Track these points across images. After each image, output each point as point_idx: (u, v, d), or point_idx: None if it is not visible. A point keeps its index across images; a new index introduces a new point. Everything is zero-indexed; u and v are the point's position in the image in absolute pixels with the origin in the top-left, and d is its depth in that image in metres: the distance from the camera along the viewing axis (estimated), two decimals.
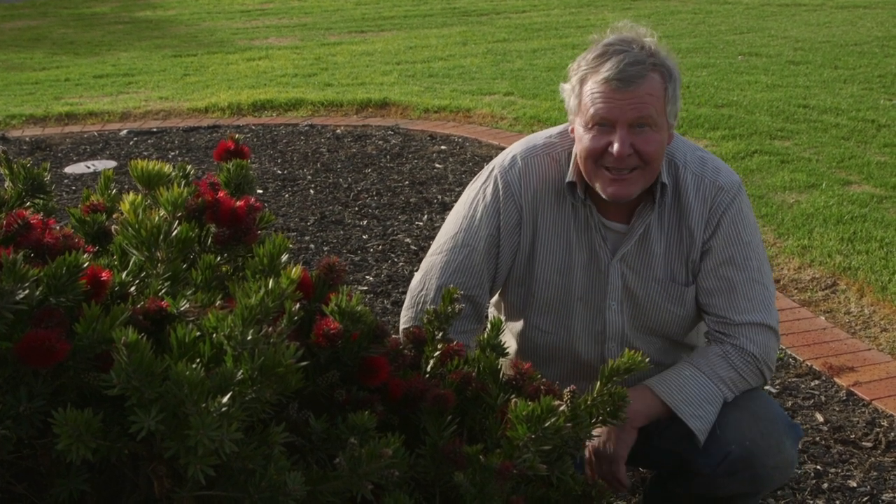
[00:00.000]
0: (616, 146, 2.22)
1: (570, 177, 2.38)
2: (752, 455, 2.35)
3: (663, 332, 2.51)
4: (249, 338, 1.43)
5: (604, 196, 2.32)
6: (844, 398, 3.62)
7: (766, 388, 3.65)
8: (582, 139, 2.29)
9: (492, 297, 2.58)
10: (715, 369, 2.36)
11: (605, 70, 2.22)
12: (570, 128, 2.39)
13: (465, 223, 2.47)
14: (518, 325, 2.57)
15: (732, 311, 2.39)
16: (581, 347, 2.52)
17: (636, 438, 2.31)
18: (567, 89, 2.34)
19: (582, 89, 2.27)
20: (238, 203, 1.81)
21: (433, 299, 2.45)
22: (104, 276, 1.56)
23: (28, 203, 2.03)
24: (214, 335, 1.46)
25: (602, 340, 2.50)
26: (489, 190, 2.46)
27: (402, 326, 2.54)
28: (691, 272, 2.43)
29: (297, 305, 1.56)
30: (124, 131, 7.98)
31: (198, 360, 1.44)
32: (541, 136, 2.50)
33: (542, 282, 2.47)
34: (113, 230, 1.88)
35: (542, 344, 2.55)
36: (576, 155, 2.36)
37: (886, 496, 3.04)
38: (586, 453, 2.33)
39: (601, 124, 2.25)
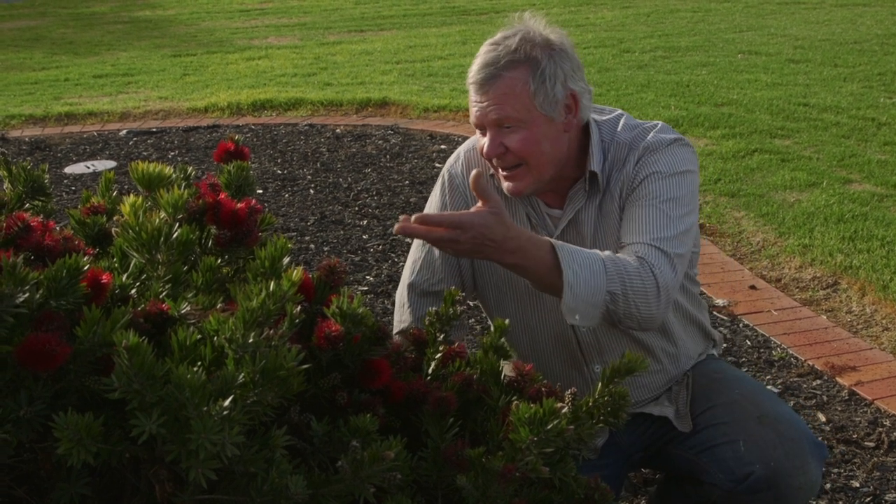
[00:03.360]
0: (485, 148, 2.29)
1: (492, 169, 2.42)
2: (776, 476, 2.30)
3: None
4: (251, 341, 1.42)
5: (505, 193, 2.36)
6: (846, 398, 3.61)
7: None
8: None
9: (468, 293, 2.60)
10: (613, 257, 2.18)
11: (471, 73, 2.29)
12: None
13: None
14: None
15: (632, 237, 2.27)
16: (558, 331, 2.50)
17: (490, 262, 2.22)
18: None
19: (469, 94, 2.34)
20: (239, 205, 1.81)
21: (407, 299, 2.53)
22: (105, 278, 1.55)
23: (28, 205, 2.02)
24: (216, 338, 1.46)
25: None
26: (438, 187, 2.56)
27: (394, 330, 2.57)
28: None
29: (299, 308, 1.56)
30: (124, 131, 7.97)
31: (199, 364, 1.44)
32: None
33: (505, 272, 2.45)
34: (113, 232, 1.87)
35: (525, 333, 2.55)
36: None
37: (889, 496, 3.03)
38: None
39: (477, 128, 2.33)
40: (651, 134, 2.38)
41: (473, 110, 2.31)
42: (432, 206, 2.58)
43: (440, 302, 2.40)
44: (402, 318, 2.53)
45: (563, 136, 2.31)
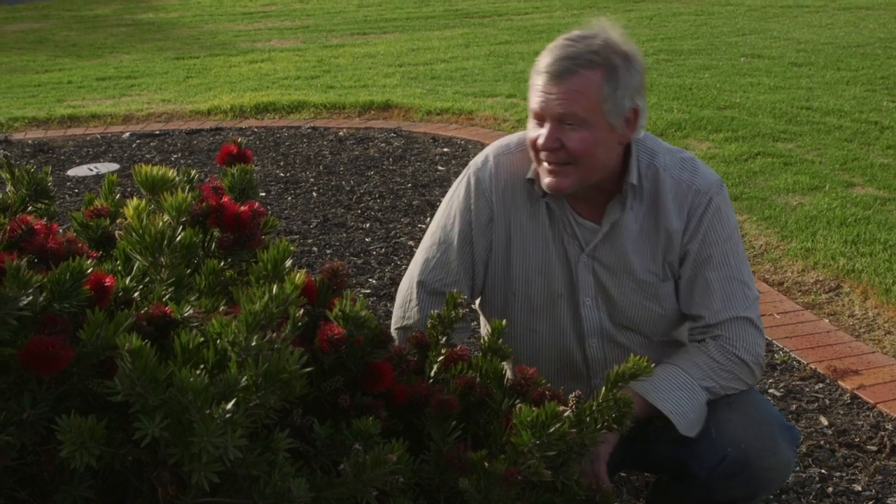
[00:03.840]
0: (540, 140, 2.27)
1: (530, 173, 2.41)
2: (747, 457, 2.35)
3: (643, 330, 2.51)
4: (254, 344, 1.42)
5: (543, 187, 2.35)
6: (849, 401, 3.61)
7: (770, 391, 3.65)
8: (528, 129, 2.34)
9: (475, 296, 2.60)
10: (692, 359, 2.36)
11: (543, 63, 2.26)
12: None
13: (443, 221, 2.55)
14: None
15: (708, 309, 2.39)
16: (565, 345, 2.53)
17: (618, 439, 2.29)
18: None
19: (532, 80, 2.31)
20: (242, 208, 1.81)
21: (416, 297, 2.52)
22: (108, 281, 1.55)
23: (31, 208, 2.02)
24: (218, 341, 1.46)
25: (582, 337, 2.51)
26: (462, 188, 2.52)
27: (392, 326, 2.59)
28: (669, 271, 2.43)
29: (301, 311, 1.56)
30: (127, 134, 7.98)
31: (202, 367, 1.44)
32: (515, 135, 2.54)
33: (521, 280, 2.49)
34: (117, 235, 1.87)
35: (527, 345, 2.55)
36: None
37: (892, 500, 3.03)
38: None
39: (535, 118, 2.29)
40: (697, 172, 2.42)
41: (537, 99, 2.27)
42: (455, 207, 2.53)
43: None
44: (406, 314, 2.53)
45: (617, 148, 2.34)
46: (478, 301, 2.66)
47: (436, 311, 1.97)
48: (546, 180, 2.33)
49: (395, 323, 2.58)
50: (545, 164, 2.31)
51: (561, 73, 2.22)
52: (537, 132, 2.29)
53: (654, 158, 2.41)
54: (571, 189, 2.34)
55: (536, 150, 2.31)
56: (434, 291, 2.52)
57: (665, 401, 2.30)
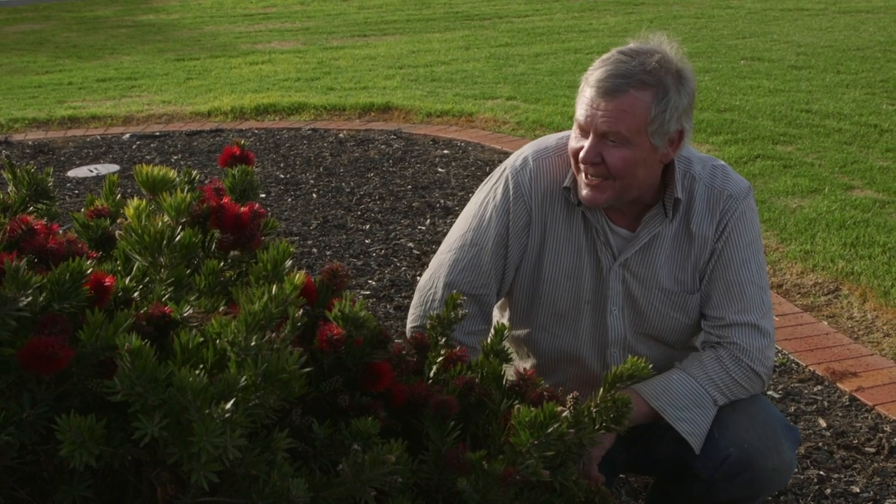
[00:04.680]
0: (582, 152, 2.26)
1: (567, 181, 2.40)
2: (750, 458, 2.36)
3: (665, 339, 2.51)
4: (253, 344, 1.43)
5: (580, 198, 2.35)
6: (847, 403, 3.62)
7: (769, 393, 3.65)
8: (570, 138, 2.33)
9: (499, 298, 2.58)
10: (706, 372, 2.37)
11: (595, 76, 2.24)
12: None
13: (475, 222, 2.49)
14: (523, 330, 2.57)
15: (726, 311, 2.40)
16: (585, 352, 2.53)
17: (613, 441, 2.30)
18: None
19: (581, 89, 2.30)
20: (242, 209, 1.82)
21: (441, 297, 2.46)
22: (107, 281, 1.56)
23: (31, 208, 2.03)
24: (218, 341, 1.47)
25: (605, 345, 2.51)
26: (499, 190, 2.47)
27: (409, 325, 2.55)
28: (699, 281, 2.44)
29: (301, 311, 1.56)
30: (127, 135, 7.98)
31: (201, 367, 1.45)
32: (553, 137, 2.52)
33: (550, 283, 2.47)
34: (117, 235, 1.88)
35: (548, 348, 2.55)
36: None
37: (890, 501, 3.03)
38: None
39: (580, 128, 2.28)
40: (728, 179, 2.44)
41: (584, 110, 2.25)
42: (490, 209, 2.48)
43: (474, 305, 2.41)
44: (428, 314, 2.45)
45: (658, 167, 2.33)
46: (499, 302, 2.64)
47: (434, 313, 1.98)
48: (584, 192, 2.32)
49: (412, 321, 2.53)
50: (584, 175, 2.31)
51: (611, 91, 2.20)
52: (580, 143, 2.28)
53: (689, 167, 2.41)
54: (607, 203, 2.33)
55: (577, 160, 2.31)
56: (462, 293, 2.49)
57: (682, 421, 2.33)
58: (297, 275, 1.57)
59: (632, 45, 2.30)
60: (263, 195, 6.23)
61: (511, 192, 2.45)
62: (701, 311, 2.46)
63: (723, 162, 2.51)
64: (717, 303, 2.41)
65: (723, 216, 2.40)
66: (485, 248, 2.46)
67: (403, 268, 4.95)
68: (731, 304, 2.39)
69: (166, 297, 1.66)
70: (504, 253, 2.47)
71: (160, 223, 1.72)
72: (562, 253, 2.46)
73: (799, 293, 4.55)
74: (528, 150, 2.51)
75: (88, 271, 1.51)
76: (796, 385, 3.76)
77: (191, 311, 1.60)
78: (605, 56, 2.28)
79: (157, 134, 7.99)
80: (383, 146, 7.35)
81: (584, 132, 2.26)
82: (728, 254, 2.40)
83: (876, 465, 3.23)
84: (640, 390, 2.34)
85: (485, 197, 2.51)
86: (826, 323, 4.25)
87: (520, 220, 2.45)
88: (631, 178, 2.28)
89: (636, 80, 2.20)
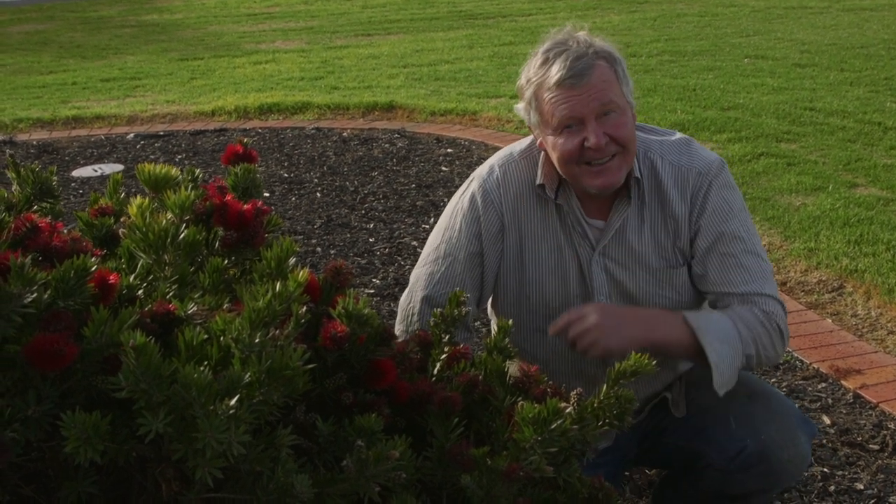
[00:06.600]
0: (592, 139, 2.24)
1: (539, 179, 2.41)
2: (767, 449, 2.36)
3: None
4: (257, 340, 1.43)
5: (593, 191, 2.34)
6: (851, 401, 3.62)
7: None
8: (556, 146, 2.30)
9: (481, 305, 2.59)
10: (743, 317, 2.34)
11: (555, 74, 2.25)
12: (537, 142, 2.41)
13: (447, 234, 2.51)
14: (516, 335, 2.57)
15: (733, 284, 2.38)
16: (573, 355, 2.51)
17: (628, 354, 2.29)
18: (522, 108, 2.38)
19: (539, 101, 2.30)
20: (246, 206, 1.82)
21: (419, 311, 2.48)
22: (112, 279, 1.56)
23: (36, 207, 2.03)
24: (222, 338, 1.47)
25: None
26: (467, 199, 2.49)
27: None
28: (681, 257, 2.43)
29: (305, 308, 1.57)
30: (131, 135, 8.00)
31: (206, 363, 1.45)
32: (517, 144, 2.54)
33: (536, 283, 2.48)
34: (121, 233, 1.88)
35: (541, 344, 2.55)
36: (544, 158, 2.41)
37: (894, 499, 3.04)
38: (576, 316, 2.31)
39: (569, 126, 2.27)
40: (694, 155, 2.42)
41: (561, 107, 2.25)
42: (459, 219, 2.49)
43: None
44: (409, 329, 2.49)
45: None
46: (489, 303, 2.65)
47: (438, 310, 1.98)
48: (596, 182, 2.31)
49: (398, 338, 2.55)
50: (588, 167, 2.30)
51: (581, 73, 2.22)
52: (576, 138, 2.27)
53: (647, 150, 2.41)
54: (622, 180, 2.34)
55: (574, 159, 2.29)
56: (439, 306, 2.50)
57: (713, 351, 2.28)
58: (301, 272, 1.57)
59: (548, 42, 2.33)
60: (267, 194, 6.24)
61: (479, 200, 2.46)
62: (704, 290, 2.44)
63: (686, 136, 2.50)
64: (718, 279, 2.40)
65: (696, 194, 2.39)
66: (458, 258, 2.47)
67: (408, 266, 4.95)
68: (736, 276, 2.38)
69: (170, 294, 1.66)
70: (479, 261, 2.48)
71: (164, 221, 1.73)
72: (542, 250, 2.46)
73: (803, 290, 4.55)
74: (493, 159, 2.54)
75: (93, 269, 1.51)
76: (800, 382, 3.76)
77: (195, 308, 1.60)
78: (537, 62, 2.31)
79: (161, 133, 8.01)
80: (387, 145, 7.36)
81: (578, 124, 2.26)
82: (719, 228, 2.39)
83: (880, 462, 3.23)
84: (687, 315, 2.34)
85: (454, 207, 2.53)
86: (830, 320, 4.25)
87: (492, 227, 2.46)
88: (633, 142, 2.31)
89: (591, 55, 2.25)
